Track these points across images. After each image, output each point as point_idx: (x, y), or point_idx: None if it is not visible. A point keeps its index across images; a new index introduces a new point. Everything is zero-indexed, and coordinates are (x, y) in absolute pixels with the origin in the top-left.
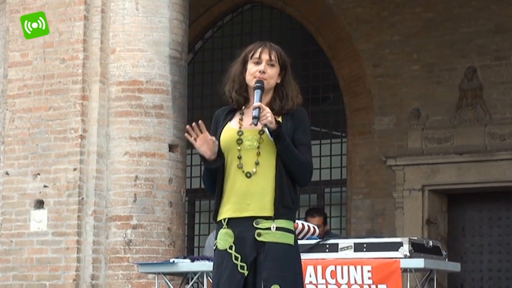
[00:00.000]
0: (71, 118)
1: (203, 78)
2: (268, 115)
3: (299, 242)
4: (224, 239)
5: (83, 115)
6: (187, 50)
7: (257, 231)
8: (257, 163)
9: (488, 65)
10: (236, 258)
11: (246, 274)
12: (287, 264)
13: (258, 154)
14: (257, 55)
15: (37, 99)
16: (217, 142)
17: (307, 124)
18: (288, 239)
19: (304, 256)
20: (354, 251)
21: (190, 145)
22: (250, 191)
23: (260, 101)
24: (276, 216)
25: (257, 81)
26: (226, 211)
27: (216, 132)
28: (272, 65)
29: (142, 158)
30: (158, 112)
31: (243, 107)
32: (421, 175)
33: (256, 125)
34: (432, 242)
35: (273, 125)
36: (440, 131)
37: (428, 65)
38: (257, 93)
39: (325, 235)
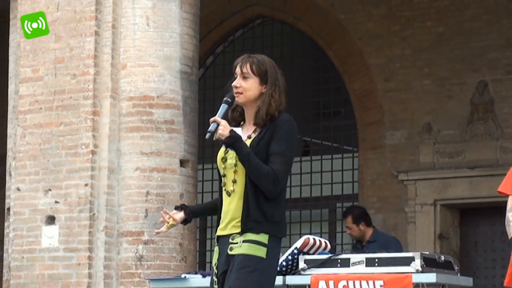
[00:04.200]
0: (82, 133)
1: (214, 93)
2: (219, 128)
3: (311, 257)
4: (214, 256)
5: (94, 130)
6: (198, 65)
7: (230, 245)
8: (234, 181)
9: (499, 79)
10: (215, 274)
11: None
12: (249, 275)
13: (235, 172)
14: (234, 70)
15: (48, 114)
16: (176, 221)
17: (284, 132)
18: (257, 251)
19: (316, 271)
20: (366, 266)
21: (201, 160)
22: (229, 209)
23: (223, 116)
24: (244, 230)
25: (227, 95)
26: (218, 229)
27: None
28: (246, 78)
29: (153, 173)
30: (169, 127)
31: (242, 124)
32: (433, 190)
33: (208, 139)
34: (444, 256)
35: (223, 138)
36: (451, 146)
37: (440, 79)
38: (221, 108)
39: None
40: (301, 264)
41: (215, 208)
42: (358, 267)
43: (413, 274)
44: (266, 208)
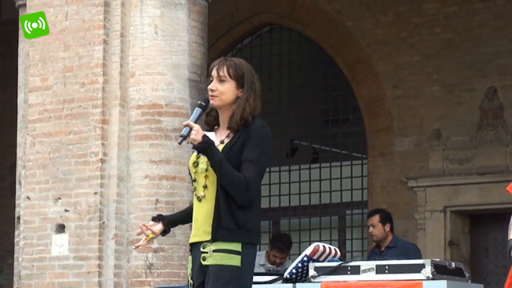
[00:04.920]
0: (91, 142)
1: None
2: (192, 133)
3: (320, 264)
4: (189, 265)
5: (103, 139)
6: (206, 73)
7: (202, 255)
8: (205, 187)
9: (508, 85)
10: (191, 284)
11: None
12: (225, 287)
13: (206, 177)
14: (210, 72)
15: (58, 123)
16: (156, 233)
17: (257, 138)
18: (231, 260)
19: (325, 279)
20: (376, 273)
21: None
22: (200, 215)
23: (196, 120)
24: (214, 238)
25: (201, 99)
26: (191, 236)
27: None
28: (223, 81)
29: (163, 181)
30: (178, 135)
31: (215, 128)
32: (442, 196)
33: (180, 143)
34: (455, 263)
35: (195, 143)
36: (461, 152)
37: (448, 85)
38: (195, 112)
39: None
40: (311, 272)
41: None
42: (368, 274)
43: (423, 281)
44: (238, 216)
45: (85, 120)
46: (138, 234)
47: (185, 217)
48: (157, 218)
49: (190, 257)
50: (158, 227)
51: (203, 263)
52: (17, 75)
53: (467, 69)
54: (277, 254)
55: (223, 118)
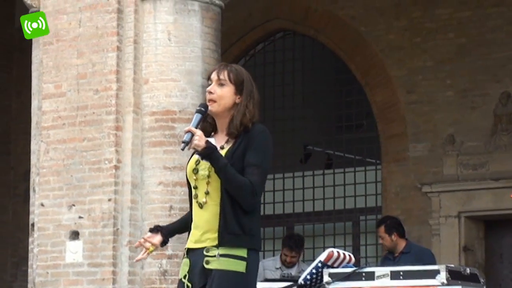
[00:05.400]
0: (105, 148)
1: None
2: (195, 139)
3: (335, 270)
4: (182, 268)
5: (117, 145)
6: None
7: (206, 258)
8: (206, 193)
9: None
10: (188, 287)
11: None
12: None
13: (208, 183)
14: (208, 76)
15: (71, 130)
16: (156, 245)
17: (259, 143)
18: (237, 266)
19: (340, 285)
20: (391, 279)
21: None
22: (202, 221)
23: (197, 126)
24: (221, 243)
25: (200, 105)
26: (188, 242)
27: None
28: (222, 85)
29: (177, 187)
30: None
31: (212, 135)
32: (457, 202)
33: (183, 149)
34: (470, 269)
35: (199, 149)
36: (475, 157)
37: (462, 90)
38: (195, 117)
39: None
40: (326, 278)
41: (187, 224)
42: (383, 280)
43: (438, 287)
44: (244, 221)
45: (99, 127)
46: (136, 247)
47: (182, 226)
48: (154, 229)
49: (186, 261)
50: (158, 238)
51: (207, 266)
52: (30, 82)
53: (480, 74)
54: (287, 253)
55: (221, 123)
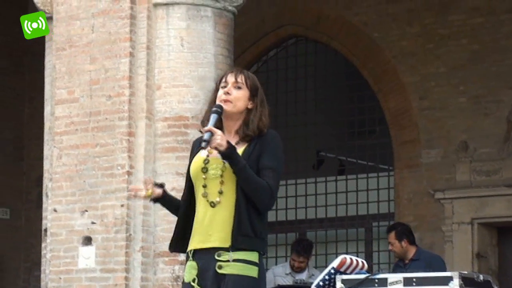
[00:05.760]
0: (118, 154)
1: None
2: (217, 138)
3: (348, 277)
4: (189, 271)
5: (130, 151)
6: None
7: (218, 263)
8: (220, 192)
9: None
10: None
11: None
12: None
13: (222, 183)
14: (224, 79)
15: (84, 136)
16: (154, 194)
17: (274, 147)
18: (250, 271)
19: None
20: (404, 286)
21: None
22: (213, 221)
23: (215, 125)
24: (234, 246)
25: (216, 105)
26: (192, 243)
27: (190, 161)
28: (239, 88)
29: None
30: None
31: None
32: (470, 208)
33: (205, 148)
34: (483, 276)
35: (222, 148)
36: (488, 164)
37: (475, 97)
38: (212, 117)
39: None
40: (338, 284)
41: (177, 209)
42: (396, 287)
43: None
44: (256, 223)
45: (112, 132)
46: (132, 189)
47: (174, 204)
48: (159, 185)
49: (192, 263)
50: (159, 191)
51: (220, 271)
52: (43, 87)
53: (493, 81)
54: (295, 258)
55: (229, 125)
